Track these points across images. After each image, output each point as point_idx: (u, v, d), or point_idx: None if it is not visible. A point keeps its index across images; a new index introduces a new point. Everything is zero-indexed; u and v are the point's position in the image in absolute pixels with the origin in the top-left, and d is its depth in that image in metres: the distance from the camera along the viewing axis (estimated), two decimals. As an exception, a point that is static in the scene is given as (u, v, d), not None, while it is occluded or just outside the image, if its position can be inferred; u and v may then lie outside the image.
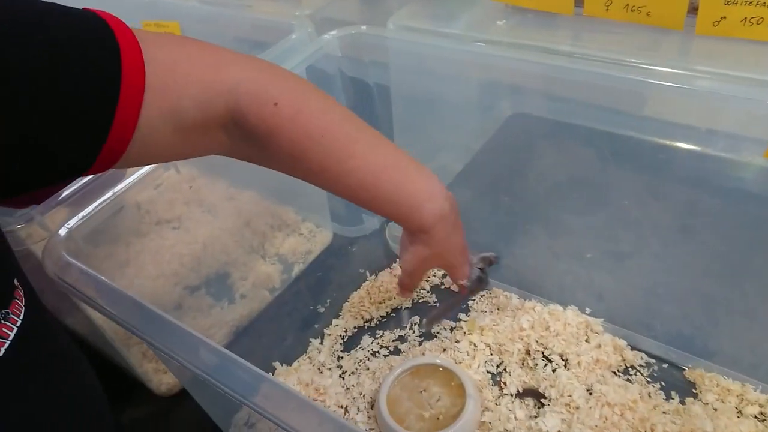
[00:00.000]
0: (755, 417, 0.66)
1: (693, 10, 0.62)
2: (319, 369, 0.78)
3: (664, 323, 0.77)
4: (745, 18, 0.59)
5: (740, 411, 0.67)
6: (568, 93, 0.93)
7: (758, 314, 0.73)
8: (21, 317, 0.42)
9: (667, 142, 0.86)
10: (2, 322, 0.40)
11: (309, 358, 0.80)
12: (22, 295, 0.43)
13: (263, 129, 0.50)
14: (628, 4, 0.64)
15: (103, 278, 0.54)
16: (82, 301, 0.54)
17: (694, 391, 0.70)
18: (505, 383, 0.73)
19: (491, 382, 0.74)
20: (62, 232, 0.61)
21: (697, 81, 0.62)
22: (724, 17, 0.60)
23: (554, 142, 0.98)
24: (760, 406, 0.67)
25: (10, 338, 0.40)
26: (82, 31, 0.41)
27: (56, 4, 0.41)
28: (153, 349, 0.60)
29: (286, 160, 0.53)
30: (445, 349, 0.78)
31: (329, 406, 0.73)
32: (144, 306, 0.51)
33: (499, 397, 0.72)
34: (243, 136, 0.51)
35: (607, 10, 0.66)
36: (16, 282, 0.43)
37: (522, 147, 1.03)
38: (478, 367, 0.75)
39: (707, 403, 0.68)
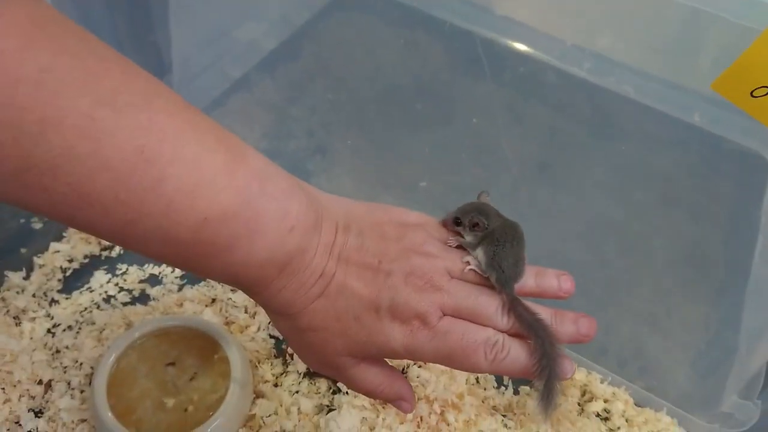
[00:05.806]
0: (598, 415, 0.52)
1: None
2: (15, 319, 0.51)
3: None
4: None
5: (582, 408, 0.53)
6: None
7: (619, 284, 0.59)
8: None
9: (532, 51, 0.68)
10: None
11: (2, 299, 0.52)
12: None
13: None
14: None
15: None
16: None
17: (529, 376, 0.55)
18: (292, 356, 0.52)
19: (274, 352, 0.52)
20: None
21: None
22: None
23: (402, 33, 0.76)
24: (605, 401, 0.53)
25: None
26: None
27: None
28: None
29: None
30: (214, 300, 0.55)
31: (19, 382, 0.48)
32: None
33: (282, 375, 0.51)
34: None
35: None
36: None
37: (357, 32, 0.80)
38: (258, 330, 0.53)
39: (544, 396, 0.53)
